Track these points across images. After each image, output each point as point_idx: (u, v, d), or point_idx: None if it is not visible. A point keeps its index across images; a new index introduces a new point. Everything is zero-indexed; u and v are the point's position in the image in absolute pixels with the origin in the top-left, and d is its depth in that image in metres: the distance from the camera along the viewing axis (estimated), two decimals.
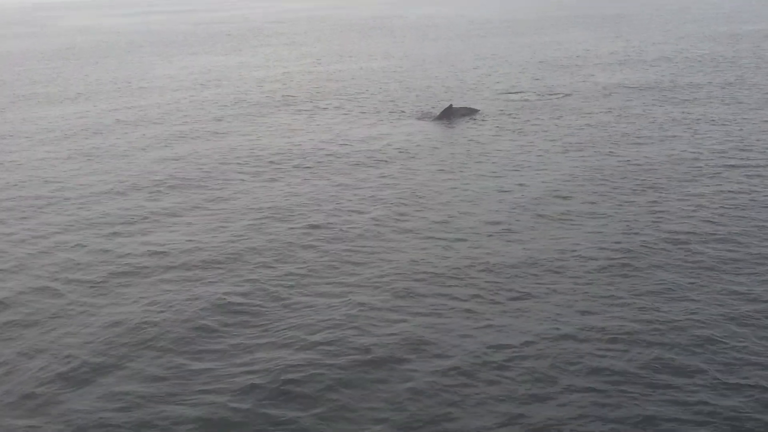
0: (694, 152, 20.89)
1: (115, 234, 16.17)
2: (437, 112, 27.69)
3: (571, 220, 15.90)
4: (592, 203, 16.93)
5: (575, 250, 14.16)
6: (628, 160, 20.36)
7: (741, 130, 23.32)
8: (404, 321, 11.71)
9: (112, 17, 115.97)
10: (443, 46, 52.06)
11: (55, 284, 13.67)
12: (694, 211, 16.12)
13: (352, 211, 17.03)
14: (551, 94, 31.12)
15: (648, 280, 12.82)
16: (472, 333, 11.26)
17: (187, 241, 15.51)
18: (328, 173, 20.35)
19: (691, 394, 9.56)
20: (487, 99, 30.72)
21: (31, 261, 14.88)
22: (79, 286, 13.56)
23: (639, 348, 10.66)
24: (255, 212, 17.19)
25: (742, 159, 20.02)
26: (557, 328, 11.28)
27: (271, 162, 21.79)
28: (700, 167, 19.42)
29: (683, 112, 26.36)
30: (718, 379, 9.86)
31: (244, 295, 12.81)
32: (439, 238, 15.12)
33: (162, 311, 12.30)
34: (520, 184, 18.51)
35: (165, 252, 14.93)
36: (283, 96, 33.78)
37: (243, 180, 20.05)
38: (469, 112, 27.61)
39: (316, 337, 11.25)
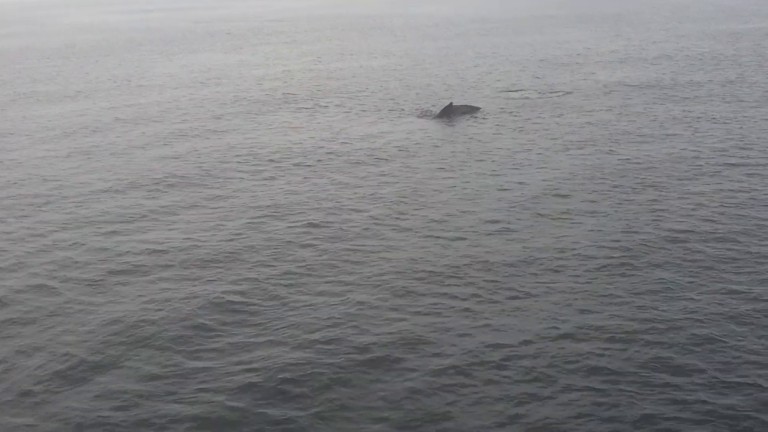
0: (694, 150, 20.87)
1: (113, 232, 16.17)
2: (437, 110, 27.66)
3: (571, 218, 15.89)
4: (592, 201, 16.92)
5: (575, 249, 14.15)
6: (629, 159, 20.33)
7: (741, 128, 23.30)
8: (403, 320, 11.70)
9: (111, 14, 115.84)
10: (443, 45, 51.97)
11: (53, 282, 13.67)
12: (693, 209, 16.10)
13: (352, 209, 17.01)
14: (552, 93, 31.08)
15: (647, 278, 12.81)
16: (470, 332, 11.25)
17: (185, 239, 15.50)
18: (327, 171, 20.33)
19: (690, 393, 9.55)
20: (488, 97, 30.68)
21: (30, 259, 14.87)
22: (77, 284, 13.56)
23: (638, 347, 10.65)
24: (254, 210, 17.18)
25: (742, 157, 20.00)
26: (556, 327, 11.27)
27: (271, 160, 21.77)
28: (701, 165, 19.40)
29: (684, 111, 26.33)
30: (717, 378, 9.85)
31: (242, 293, 12.81)
32: (439, 237, 15.11)
33: (160, 309, 12.30)
34: (520, 183, 18.49)
35: (163, 250, 14.93)
36: (283, 94, 33.73)
37: (242, 178, 20.03)
38: (470, 110, 27.58)
39: (315, 336, 11.24)
